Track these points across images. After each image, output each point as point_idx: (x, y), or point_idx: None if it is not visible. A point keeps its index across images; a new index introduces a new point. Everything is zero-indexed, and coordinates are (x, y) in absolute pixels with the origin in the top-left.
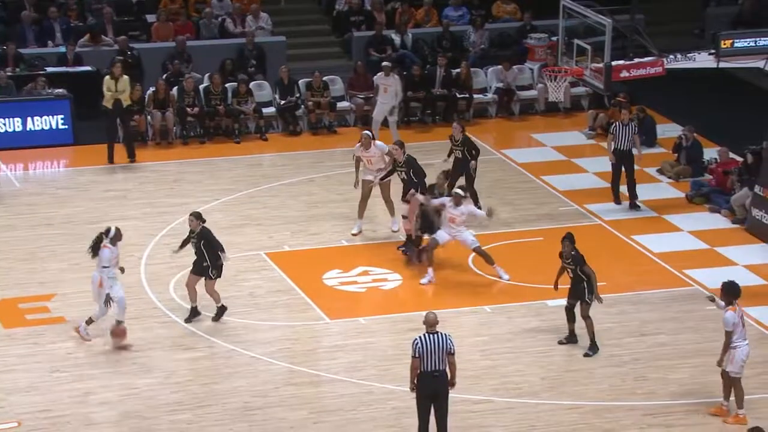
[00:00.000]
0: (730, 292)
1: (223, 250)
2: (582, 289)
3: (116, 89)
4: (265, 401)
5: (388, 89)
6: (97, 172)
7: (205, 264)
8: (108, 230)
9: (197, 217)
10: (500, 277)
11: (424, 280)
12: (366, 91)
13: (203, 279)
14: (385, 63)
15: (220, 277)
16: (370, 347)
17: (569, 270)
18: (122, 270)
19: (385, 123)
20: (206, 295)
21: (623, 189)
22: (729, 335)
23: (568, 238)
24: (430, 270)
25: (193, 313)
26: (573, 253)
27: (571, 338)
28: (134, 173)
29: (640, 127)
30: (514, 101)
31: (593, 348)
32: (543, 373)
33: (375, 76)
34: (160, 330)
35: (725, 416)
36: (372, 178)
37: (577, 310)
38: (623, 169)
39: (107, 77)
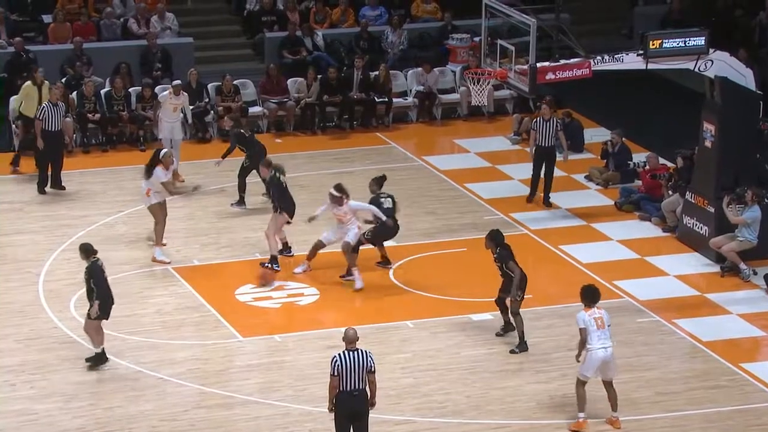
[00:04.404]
0: (586, 296)
1: (105, 295)
2: (511, 284)
3: (40, 97)
4: (174, 425)
5: (178, 108)
6: None
7: (90, 303)
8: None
9: (84, 251)
10: (354, 283)
11: (356, 281)
12: (280, 95)
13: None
14: (176, 82)
15: (106, 318)
16: (285, 366)
17: (497, 267)
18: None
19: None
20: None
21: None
22: (581, 332)
23: (490, 235)
24: (355, 272)
25: (101, 357)
26: (498, 250)
27: (507, 327)
28: (31, 183)
29: (566, 132)
30: (436, 105)
31: (521, 346)
32: (468, 391)
33: (160, 96)
34: (60, 351)
35: (617, 426)
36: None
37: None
38: (544, 166)
39: (28, 83)
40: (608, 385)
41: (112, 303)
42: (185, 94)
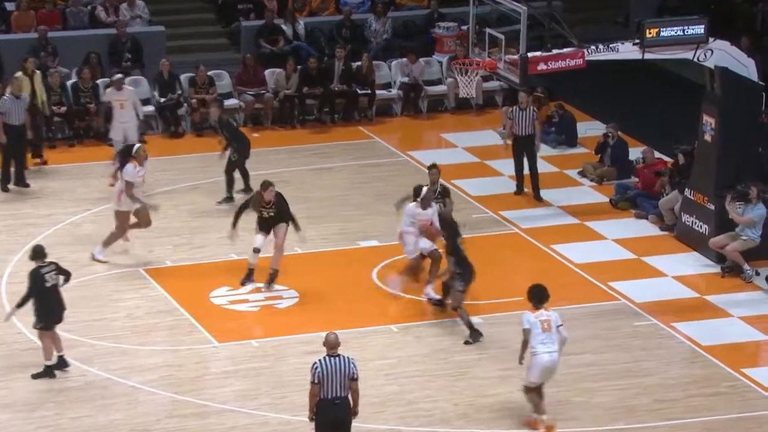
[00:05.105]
0: (534, 296)
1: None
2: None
3: (33, 87)
4: None
5: (125, 104)
6: None
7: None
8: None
9: (33, 252)
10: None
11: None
12: (257, 87)
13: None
14: (117, 75)
15: (47, 329)
16: (263, 373)
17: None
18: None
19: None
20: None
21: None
22: (524, 333)
23: (445, 220)
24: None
25: (47, 372)
26: (450, 234)
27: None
28: None
29: (559, 126)
30: (421, 97)
31: (474, 336)
32: (455, 398)
33: (105, 93)
34: (24, 357)
35: (537, 427)
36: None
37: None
38: (525, 157)
39: (19, 74)
40: (539, 386)
41: (56, 314)
42: (129, 87)
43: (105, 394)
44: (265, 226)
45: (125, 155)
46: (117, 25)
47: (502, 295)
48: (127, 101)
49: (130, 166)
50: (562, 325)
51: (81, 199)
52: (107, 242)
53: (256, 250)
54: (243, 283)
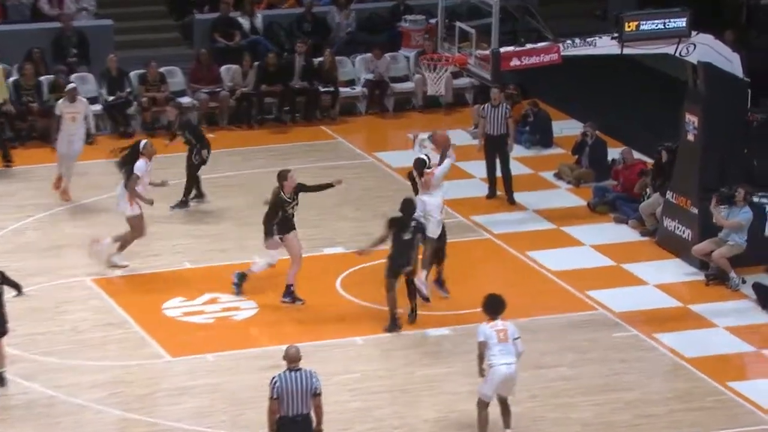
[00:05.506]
0: (489, 307)
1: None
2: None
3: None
4: None
5: (78, 117)
6: None
7: None
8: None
9: None
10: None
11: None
12: (212, 85)
13: None
14: (70, 85)
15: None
16: (219, 389)
17: None
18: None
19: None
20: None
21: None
22: (480, 346)
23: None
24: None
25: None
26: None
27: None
28: None
29: (534, 125)
30: (387, 95)
31: (391, 327)
32: (425, 414)
33: (57, 105)
34: None
35: None
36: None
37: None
38: (497, 158)
39: None
40: (503, 401)
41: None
42: (83, 99)
43: (50, 412)
44: (285, 227)
45: (133, 155)
46: (61, 19)
47: (472, 306)
48: (80, 114)
49: (141, 162)
50: (519, 337)
51: (23, 204)
52: (122, 245)
53: (272, 266)
54: (239, 292)
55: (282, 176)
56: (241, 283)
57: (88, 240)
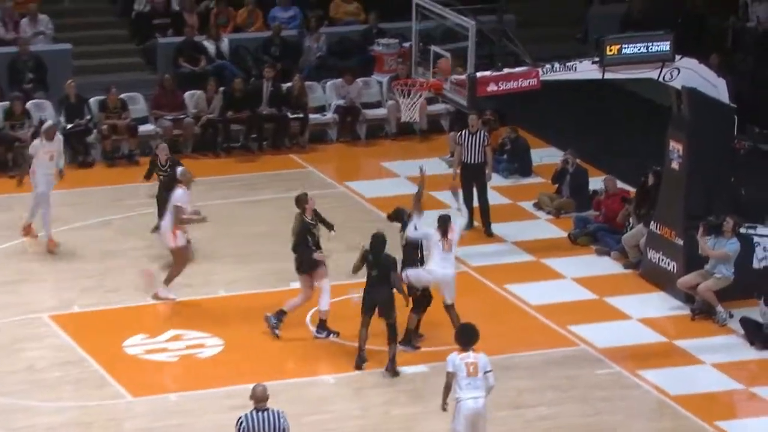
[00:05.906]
0: (461, 337)
1: None
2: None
3: None
4: None
5: (55, 156)
6: None
7: None
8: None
9: None
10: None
11: None
12: (176, 111)
13: None
14: (48, 123)
15: None
16: (183, 430)
17: None
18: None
19: None
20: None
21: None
22: (447, 376)
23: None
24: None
25: None
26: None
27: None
28: None
29: (512, 152)
30: (359, 122)
31: (358, 363)
32: None
33: (31, 146)
34: None
35: None
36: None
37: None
38: (474, 187)
39: None
40: None
41: None
42: (60, 137)
43: None
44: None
45: (171, 183)
46: (18, 43)
47: (448, 342)
48: (57, 152)
49: (179, 191)
50: (491, 371)
51: None
52: (169, 279)
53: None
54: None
55: (302, 200)
56: (278, 323)
57: (139, 272)
